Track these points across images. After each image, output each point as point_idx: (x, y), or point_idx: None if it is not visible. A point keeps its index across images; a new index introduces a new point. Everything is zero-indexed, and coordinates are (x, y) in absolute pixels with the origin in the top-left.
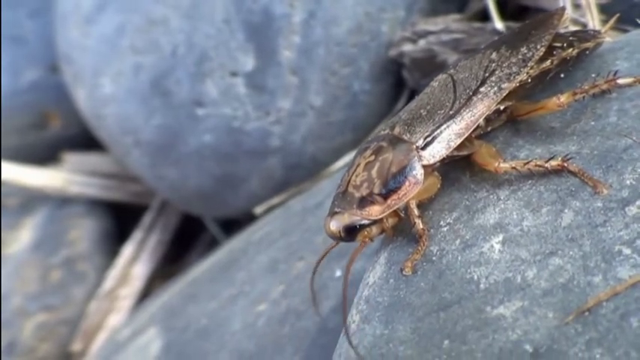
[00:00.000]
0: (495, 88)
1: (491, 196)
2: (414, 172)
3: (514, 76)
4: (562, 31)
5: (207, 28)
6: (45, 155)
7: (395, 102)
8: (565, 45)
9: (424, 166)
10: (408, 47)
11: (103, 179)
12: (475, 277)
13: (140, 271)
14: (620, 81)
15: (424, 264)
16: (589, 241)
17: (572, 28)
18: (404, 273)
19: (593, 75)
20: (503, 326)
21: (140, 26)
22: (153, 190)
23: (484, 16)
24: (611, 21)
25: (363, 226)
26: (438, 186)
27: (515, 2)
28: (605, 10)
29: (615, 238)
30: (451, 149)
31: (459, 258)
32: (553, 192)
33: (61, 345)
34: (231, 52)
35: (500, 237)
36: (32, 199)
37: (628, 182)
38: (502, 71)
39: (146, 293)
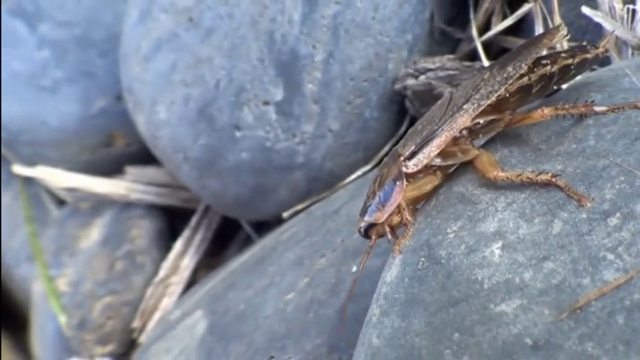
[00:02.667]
0: (475, 105)
1: (490, 208)
2: (399, 182)
3: (493, 93)
4: (559, 48)
5: (244, 65)
6: (111, 168)
7: (399, 127)
8: (549, 62)
9: (412, 173)
10: (410, 81)
11: (159, 188)
12: (479, 278)
13: (188, 263)
14: (597, 108)
15: (435, 266)
16: (577, 247)
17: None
18: (393, 255)
19: (575, 98)
20: (505, 321)
21: (189, 64)
22: (198, 197)
23: (473, 56)
24: (608, 38)
25: (372, 227)
26: (435, 184)
27: (498, 45)
28: None
29: (600, 245)
30: (431, 158)
31: (465, 261)
32: (543, 204)
33: (124, 323)
34: (264, 85)
35: (500, 243)
36: (101, 203)
37: (608, 197)
38: (486, 89)
39: (193, 281)
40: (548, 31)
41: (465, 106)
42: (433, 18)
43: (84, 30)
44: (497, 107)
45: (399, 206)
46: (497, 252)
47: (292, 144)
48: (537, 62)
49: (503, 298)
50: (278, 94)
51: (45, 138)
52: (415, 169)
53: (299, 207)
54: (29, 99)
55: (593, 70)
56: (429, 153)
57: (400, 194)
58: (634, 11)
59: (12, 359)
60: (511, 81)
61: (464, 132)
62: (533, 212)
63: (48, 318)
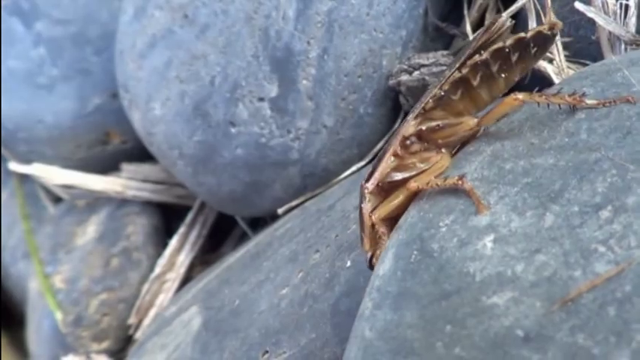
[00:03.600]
0: (413, 112)
1: (483, 201)
2: (363, 204)
3: (427, 97)
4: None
5: (239, 62)
6: (107, 165)
7: (393, 123)
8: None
9: (375, 192)
10: (404, 77)
11: (154, 185)
12: (471, 271)
13: (183, 260)
14: (589, 101)
15: (427, 259)
16: (569, 240)
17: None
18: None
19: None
20: (497, 314)
21: (184, 60)
22: (194, 193)
23: None
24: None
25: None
26: (405, 195)
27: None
28: (567, 47)
29: (591, 237)
30: (385, 174)
31: (457, 254)
32: (535, 198)
33: (120, 319)
34: (259, 82)
35: (492, 236)
36: (97, 200)
37: (600, 190)
38: (424, 95)
39: (188, 278)
40: (489, 24)
41: (408, 117)
42: (427, 14)
43: (79, 27)
44: (448, 110)
45: (372, 225)
46: (490, 245)
47: (287, 140)
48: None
49: (495, 291)
50: (273, 91)
51: (41, 135)
52: (373, 188)
53: (294, 203)
54: (25, 97)
55: (586, 65)
56: (382, 170)
57: (366, 215)
58: (627, 6)
59: (9, 356)
60: (444, 80)
61: (412, 140)
62: (525, 205)
63: (44, 315)
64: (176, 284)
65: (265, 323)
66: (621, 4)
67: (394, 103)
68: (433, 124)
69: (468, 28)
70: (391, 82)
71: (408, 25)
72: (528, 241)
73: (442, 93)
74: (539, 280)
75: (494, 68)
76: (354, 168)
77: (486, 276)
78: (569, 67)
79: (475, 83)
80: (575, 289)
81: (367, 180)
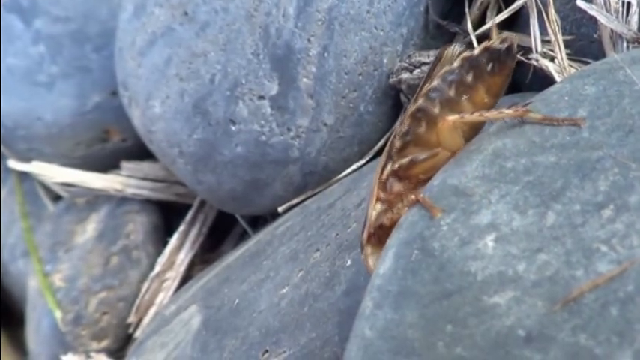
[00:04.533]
0: (384, 158)
1: (484, 200)
2: (362, 255)
3: (394, 137)
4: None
5: (239, 59)
6: (107, 163)
7: (394, 121)
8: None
9: (370, 240)
10: (405, 75)
11: (154, 183)
12: (472, 270)
13: (183, 258)
14: (533, 115)
15: (428, 258)
16: (570, 239)
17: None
18: None
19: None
20: (498, 313)
21: (184, 58)
22: (194, 192)
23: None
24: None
25: None
26: (460, 145)
27: None
28: (569, 46)
29: (593, 237)
30: (374, 220)
31: (458, 253)
32: (537, 196)
33: (119, 318)
34: (259, 79)
35: (493, 235)
36: (96, 199)
37: (602, 189)
38: (393, 137)
39: (188, 276)
40: (439, 53)
41: (381, 158)
42: (428, 11)
43: (79, 25)
44: (422, 144)
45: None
46: (491, 244)
47: (287, 138)
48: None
49: (497, 290)
50: (273, 89)
51: (40, 133)
52: (369, 238)
53: (294, 201)
54: (25, 94)
55: (588, 63)
56: (371, 218)
57: (369, 267)
58: (629, 4)
59: (8, 355)
60: (404, 116)
61: (391, 182)
62: (526, 204)
63: (43, 313)
64: (176, 283)
65: (265, 322)
66: (623, 2)
67: (395, 101)
68: (405, 161)
69: (469, 26)
70: (392, 80)
71: (409, 23)
72: (530, 240)
73: (406, 129)
74: (541, 279)
75: (451, 92)
76: (354, 166)
77: (488, 275)
78: (570, 66)
79: (436, 111)
80: (577, 288)
81: (362, 231)
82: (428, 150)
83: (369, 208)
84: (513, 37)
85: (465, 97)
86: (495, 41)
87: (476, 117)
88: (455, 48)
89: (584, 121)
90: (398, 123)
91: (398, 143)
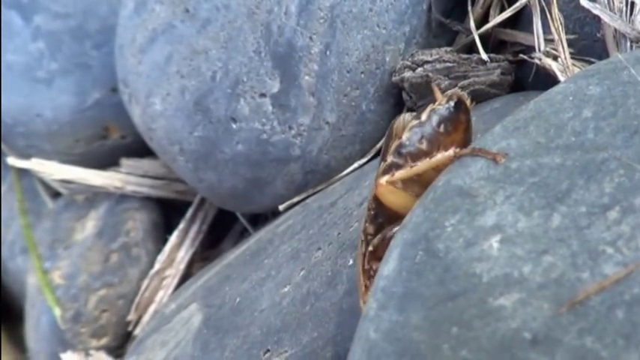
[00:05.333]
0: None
1: (489, 201)
2: None
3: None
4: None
5: (240, 57)
6: (106, 160)
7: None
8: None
9: None
10: (407, 74)
11: (154, 180)
12: (478, 272)
13: (183, 256)
14: (461, 152)
15: (433, 259)
16: (576, 241)
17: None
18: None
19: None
20: (504, 315)
21: (185, 55)
22: (194, 189)
23: (471, 48)
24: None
25: None
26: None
27: (496, 37)
28: (572, 45)
29: (599, 238)
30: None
31: (463, 254)
32: (542, 198)
33: (119, 315)
34: (261, 77)
35: (498, 237)
36: (96, 196)
37: (607, 190)
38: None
39: (188, 274)
40: (390, 127)
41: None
42: (431, 10)
43: (79, 21)
44: (392, 221)
45: None
46: (496, 245)
47: (289, 136)
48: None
49: (502, 292)
50: (274, 86)
51: (39, 130)
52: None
53: (295, 200)
54: (24, 91)
55: (592, 62)
56: (361, 292)
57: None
58: (632, 3)
59: (8, 352)
60: (370, 197)
61: (374, 266)
62: (532, 206)
63: (42, 311)
64: (176, 281)
65: (267, 321)
66: (627, 2)
67: (397, 100)
68: (377, 240)
69: (472, 25)
70: (394, 78)
71: (412, 21)
72: (535, 242)
73: (373, 212)
74: (547, 281)
75: (408, 165)
76: (356, 165)
77: (493, 277)
78: (574, 65)
79: (400, 186)
80: (583, 291)
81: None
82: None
83: (360, 302)
84: (460, 93)
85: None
86: (442, 101)
87: (407, 171)
88: (405, 118)
89: (505, 156)
90: (365, 207)
91: (371, 228)
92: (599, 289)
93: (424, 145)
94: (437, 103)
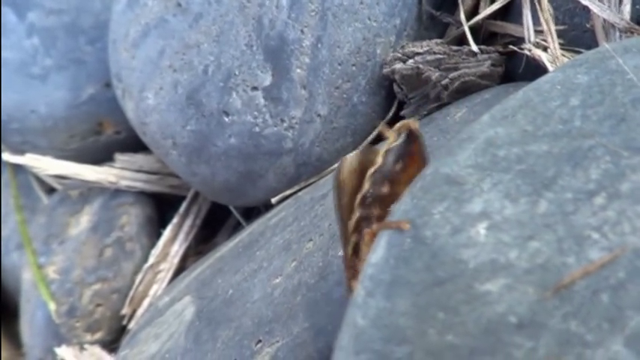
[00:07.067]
0: None
1: (476, 188)
2: None
3: None
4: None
5: (232, 51)
6: (101, 156)
7: (387, 111)
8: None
9: None
10: (398, 65)
11: (148, 175)
12: (464, 258)
13: (177, 250)
14: (373, 230)
15: (420, 246)
16: (562, 226)
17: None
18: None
19: None
20: (490, 300)
21: (178, 50)
22: (188, 183)
23: (461, 40)
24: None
25: None
26: None
27: (486, 29)
28: (561, 35)
29: (585, 224)
30: None
31: (450, 241)
32: (529, 185)
33: (113, 309)
34: (253, 71)
35: (485, 223)
36: (90, 191)
37: (593, 177)
38: None
39: (182, 268)
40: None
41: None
42: (421, 2)
43: (73, 17)
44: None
45: None
46: (483, 232)
47: (281, 129)
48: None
49: (489, 278)
50: (266, 80)
51: (34, 126)
52: None
53: (287, 192)
54: (18, 87)
55: (581, 53)
56: None
57: None
58: None
59: (4, 349)
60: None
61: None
62: (518, 192)
63: (37, 306)
64: (170, 274)
65: (258, 312)
66: None
67: (388, 92)
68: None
69: (462, 17)
70: (385, 70)
71: (402, 14)
72: (522, 228)
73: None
74: (533, 266)
75: (376, 211)
76: None
77: (480, 263)
78: (563, 55)
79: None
80: (569, 275)
81: None
82: None
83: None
84: (407, 123)
85: (391, 205)
86: (392, 138)
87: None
88: (346, 164)
89: (409, 222)
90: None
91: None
92: (584, 274)
93: (386, 188)
94: (389, 142)
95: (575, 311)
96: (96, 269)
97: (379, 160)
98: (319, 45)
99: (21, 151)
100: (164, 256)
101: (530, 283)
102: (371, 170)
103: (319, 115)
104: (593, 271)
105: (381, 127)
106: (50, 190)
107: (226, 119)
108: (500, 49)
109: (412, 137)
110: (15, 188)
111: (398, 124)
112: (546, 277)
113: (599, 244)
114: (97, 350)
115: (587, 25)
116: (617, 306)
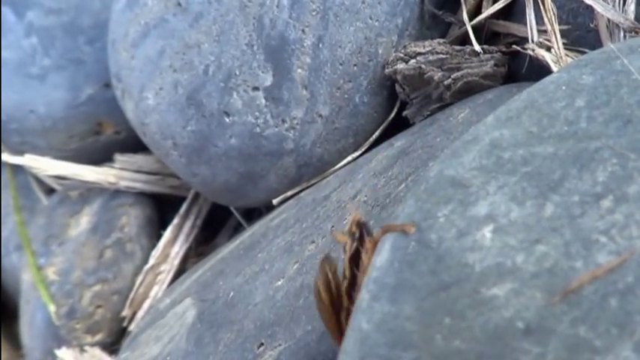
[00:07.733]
0: None
1: (481, 191)
2: None
3: None
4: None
5: (233, 51)
6: (100, 156)
7: (389, 112)
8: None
9: None
10: (400, 66)
11: (148, 176)
12: (470, 262)
13: (177, 251)
14: (376, 237)
15: (425, 250)
16: (569, 230)
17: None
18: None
19: None
20: (497, 305)
21: (178, 49)
22: (188, 184)
23: (464, 40)
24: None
25: None
26: None
27: (489, 29)
28: (565, 35)
29: (592, 227)
30: None
31: (455, 245)
32: (535, 187)
33: (113, 311)
34: (254, 71)
35: (491, 226)
36: (90, 191)
37: (600, 179)
38: None
39: (182, 269)
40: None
41: None
42: (423, 2)
43: (72, 17)
44: None
45: None
46: (489, 235)
47: (282, 130)
48: None
49: (495, 282)
50: (267, 80)
51: (33, 126)
52: None
53: (289, 193)
54: (17, 87)
55: (585, 53)
56: None
57: None
58: None
59: (4, 350)
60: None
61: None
62: (524, 195)
63: (37, 307)
64: (170, 276)
65: (260, 315)
66: None
67: (390, 92)
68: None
69: (465, 16)
70: (387, 70)
71: (404, 13)
72: (528, 232)
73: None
74: (540, 271)
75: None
76: (349, 158)
77: (486, 267)
78: (567, 55)
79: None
80: (577, 280)
81: None
82: None
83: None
84: (353, 215)
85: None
86: (348, 243)
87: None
88: (322, 283)
89: (414, 225)
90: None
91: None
92: (592, 278)
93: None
94: (348, 248)
95: (584, 316)
96: (96, 270)
97: (347, 272)
98: (320, 45)
99: (20, 152)
100: (164, 257)
101: (537, 287)
102: (344, 286)
103: (320, 116)
104: (602, 275)
105: (335, 232)
106: (50, 191)
107: (227, 120)
108: (503, 49)
109: (361, 229)
110: (14, 189)
111: (347, 224)
112: (554, 282)
113: (607, 247)
114: (98, 352)
115: (591, 25)
116: (626, 311)
